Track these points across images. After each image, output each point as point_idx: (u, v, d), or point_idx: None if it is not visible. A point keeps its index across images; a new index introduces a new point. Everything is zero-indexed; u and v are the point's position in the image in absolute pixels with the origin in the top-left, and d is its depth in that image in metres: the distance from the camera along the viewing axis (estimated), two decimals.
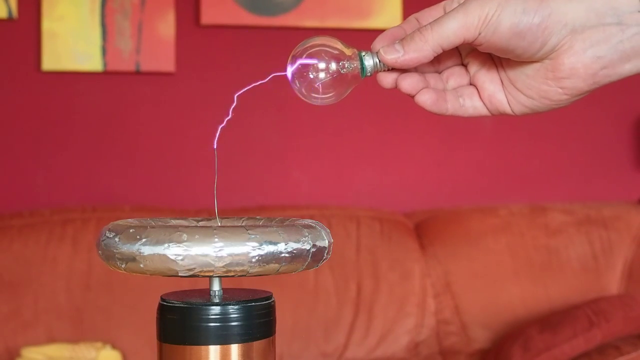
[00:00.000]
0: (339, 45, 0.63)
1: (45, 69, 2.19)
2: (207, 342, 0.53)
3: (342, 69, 0.62)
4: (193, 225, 0.59)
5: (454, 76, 0.66)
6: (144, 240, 0.52)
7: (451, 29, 0.59)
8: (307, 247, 0.54)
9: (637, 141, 2.51)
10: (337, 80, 0.62)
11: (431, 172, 2.43)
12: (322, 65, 0.62)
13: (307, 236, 0.54)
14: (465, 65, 0.66)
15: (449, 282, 2.16)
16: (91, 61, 2.21)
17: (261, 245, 0.52)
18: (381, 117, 2.38)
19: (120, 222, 0.56)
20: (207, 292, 0.56)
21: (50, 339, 1.95)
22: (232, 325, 0.53)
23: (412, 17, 0.65)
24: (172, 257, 0.51)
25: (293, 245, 0.53)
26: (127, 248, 0.52)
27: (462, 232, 2.22)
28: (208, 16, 2.25)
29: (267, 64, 2.35)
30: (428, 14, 0.64)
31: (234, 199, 2.25)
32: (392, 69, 0.63)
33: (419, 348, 2.11)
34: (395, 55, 0.61)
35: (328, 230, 0.57)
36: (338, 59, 0.62)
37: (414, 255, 2.17)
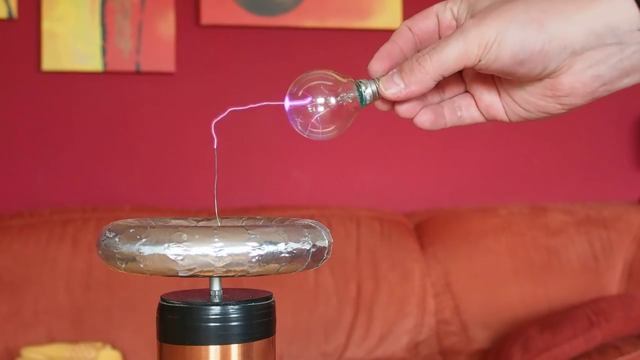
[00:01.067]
0: (334, 76, 0.61)
1: (45, 69, 2.19)
2: (207, 342, 0.53)
3: (341, 101, 0.61)
4: (193, 225, 0.59)
5: (450, 85, 0.65)
6: (144, 240, 0.52)
7: (451, 57, 0.58)
8: (307, 247, 0.54)
9: (637, 141, 2.51)
10: (338, 112, 0.61)
11: (431, 172, 2.43)
12: (320, 100, 0.61)
13: (307, 236, 0.54)
14: (461, 74, 0.66)
15: (449, 282, 2.16)
16: (91, 61, 2.21)
17: (261, 245, 0.52)
18: (381, 117, 2.37)
19: (120, 222, 0.56)
20: (207, 292, 0.56)
21: (50, 339, 1.95)
22: (232, 325, 0.53)
23: (404, 27, 0.64)
24: (172, 257, 0.51)
25: (293, 245, 0.53)
26: (127, 248, 0.52)
27: (462, 232, 2.22)
28: (208, 16, 2.25)
29: (267, 64, 2.35)
30: (421, 23, 0.64)
31: (234, 199, 2.25)
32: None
33: (419, 348, 2.11)
34: (395, 90, 0.61)
35: (328, 230, 0.57)
36: (335, 91, 0.61)
37: (414, 255, 2.17)
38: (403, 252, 2.17)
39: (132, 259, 0.52)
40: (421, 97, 0.63)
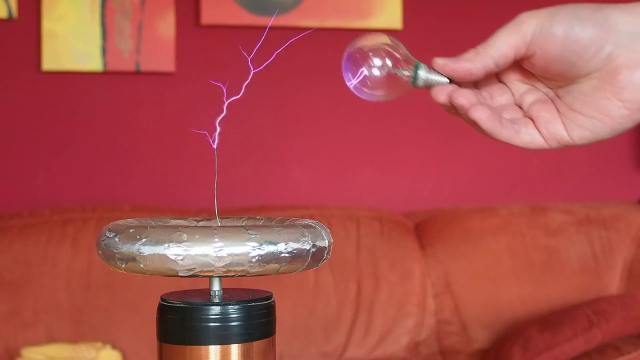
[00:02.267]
0: (402, 49, 0.63)
1: (45, 69, 2.19)
2: (207, 342, 0.53)
3: (396, 71, 0.62)
4: (193, 225, 0.59)
5: (508, 110, 0.64)
6: (144, 240, 0.52)
7: (502, 39, 0.58)
8: (307, 247, 0.54)
9: (637, 141, 2.51)
10: (389, 80, 0.63)
11: (431, 172, 2.43)
12: (378, 61, 0.62)
13: (307, 236, 0.54)
14: (518, 105, 0.64)
15: (449, 282, 2.16)
16: (91, 61, 2.21)
17: (261, 245, 0.52)
18: (381, 117, 2.38)
19: (120, 222, 0.56)
20: (207, 292, 0.56)
21: (50, 339, 1.95)
22: (232, 325, 0.53)
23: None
24: (172, 257, 0.51)
25: (293, 245, 0.53)
26: (127, 248, 0.52)
27: (462, 232, 2.22)
28: (208, 16, 2.25)
29: (267, 64, 2.34)
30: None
31: (234, 199, 2.25)
32: (446, 82, 0.62)
33: (419, 348, 2.11)
34: (445, 60, 0.61)
35: (328, 230, 0.57)
36: (397, 61, 0.62)
37: (414, 255, 2.17)
38: (403, 252, 2.17)
39: (132, 259, 0.52)
40: (478, 93, 0.62)
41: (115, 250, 0.53)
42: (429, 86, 0.63)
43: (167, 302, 0.54)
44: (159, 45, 2.24)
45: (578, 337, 1.77)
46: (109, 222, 0.56)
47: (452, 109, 0.63)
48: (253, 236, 0.52)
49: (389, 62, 0.62)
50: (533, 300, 2.15)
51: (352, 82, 0.63)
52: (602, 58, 0.57)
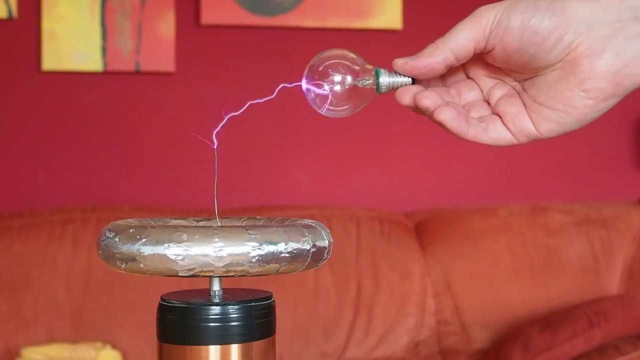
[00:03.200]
0: (356, 59, 0.62)
1: (45, 69, 2.19)
2: (207, 342, 0.53)
3: (357, 82, 0.62)
4: (193, 225, 0.59)
5: (476, 108, 0.63)
6: (144, 240, 0.52)
7: (461, 32, 0.58)
8: (307, 247, 0.54)
9: (637, 141, 2.51)
10: (351, 93, 0.62)
11: (431, 172, 2.43)
12: (337, 77, 0.61)
13: (307, 236, 0.54)
14: (487, 101, 0.64)
15: (449, 282, 2.16)
16: (91, 61, 2.21)
17: (261, 245, 0.52)
18: (381, 117, 2.38)
19: (120, 222, 0.56)
20: (207, 292, 0.56)
21: (50, 339, 1.95)
22: (232, 325, 0.53)
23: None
24: (172, 257, 0.51)
25: (293, 245, 0.53)
26: (127, 248, 0.52)
27: (462, 232, 2.22)
28: (208, 16, 2.25)
29: (267, 64, 2.35)
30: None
31: (234, 199, 2.25)
32: (409, 82, 0.62)
33: (419, 348, 2.11)
34: (406, 59, 0.60)
35: (328, 230, 0.57)
36: (354, 72, 0.62)
37: (414, 255, 2.17)
38: (403, 252, 2.17)
39: (132, 259, 0.52)
40: (443, 95, 0.62)
41: (115, 250, 0.53)
42: (394, 89, 0.62)
43: (167, 302, 0.54)
44: (159, 45, 2.24)
45: (578, 337, 1.77)
46: (109, 222, 0.56)
47: (418, 110, 0.62)
48: (253, 236, 0.52)
49: (348, 76, 0.61)
50: (533, 300, 2.15)
51: (323, 109, 0.62)
52: (562, 48, 0.57)
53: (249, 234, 0.52)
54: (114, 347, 1.95)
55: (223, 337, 0.53)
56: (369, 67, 0.62)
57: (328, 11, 2.32)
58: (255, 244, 0.52)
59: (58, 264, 2.00)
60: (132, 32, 2.22)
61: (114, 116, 2.27)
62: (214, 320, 0.53)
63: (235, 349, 0.53)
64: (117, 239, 0.53)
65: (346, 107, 0.62)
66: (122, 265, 0.53)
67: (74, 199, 2.21)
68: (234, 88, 2.28)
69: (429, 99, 0.60)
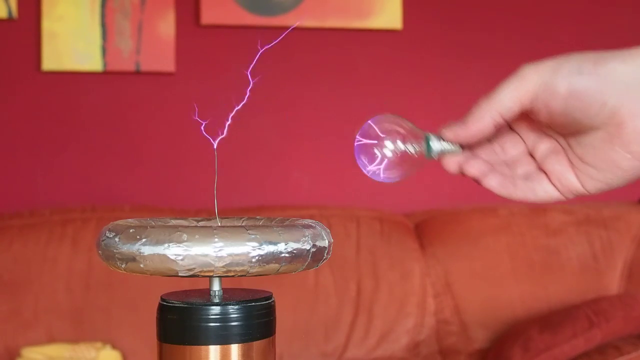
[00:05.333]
0: (408, 125, 0.63)
1: (45, 69, 2.19)
2: (207, 342, 0.53)
3: (408, 148, 0.62)
4: (193, 225, 0.59)
5: (521, 163, 0.64)
6: (144, 240, 0.52)
7: (507, 94, 0.58)
8: (307, 247, 0.54)
9: None
10: (403, 160, 0.63)
11: (431, 172, 2.42)
12: (389, 143, 0.62)
13: (307, 236, 0.54)
14: (531, 154, 0.64)
15: (449, 282, 2.16)
16: (91, 61, 2.21)
17: (261, 245, 0.52)
18: None
19: (120, 222, 0.56)
20: (207, 292, 0.56)
21: (50, 339, 1.95)
22: (232, 325, 0.53)
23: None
24: (172, 257, 0.51)
25: (293, 245, 0.53)
26: (127, 248, 0.52)
27: (462, 232, 2.22)
28: (208, 16, 2.25)
29: (267, 65, 2.35)
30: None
31: (234, 199, 2.25)
32: (458, 150, 0.62)
33: (419, 348, 2.11)
34: (455, 128, 0.61)
35: (328, 230, 0.57)
36: (405, 138, 0.62)
37: (414, 255, 2.17)
38: (403, 252, 2.17)
39: (132, 259, 0.52)
40: (490, 159, 0.62)
41: (115, 250, 0.53)
42: (442, 155, 0.63)
43: (167, 302, 0.54)
44: (159, 45, 2.24)
45: (578, 337, 1.77)
46: (109, 222, 0.56)
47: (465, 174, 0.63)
48: (253, 236, 0.52)
49: (400, 143, 0.62)
50: (533, 300, 2.15)
51: (368, 169, 0.63)
52: (606, 112, 0.56)
53: (249, 234, 0.52)
54: (114, 347, 1.95)
55: (223, 337, 0.53)
56: (419, 132, 0.63)
57: (328, 11, 2.32)
58: (255, 244, 0.52)
59: (58, 264, 2.00)
60: (132, 32, 2.22)
61: (114, 116, 2.27)
62: (214, 320, 0.53)
63: (235, 349, 0.53)
64: (117, 239, 0.53)
65: (397, 172, 0.63)
66: (122, 265, 0.53)
67: (74, 199, 2.21)
68: (234, 88, 2.28)
69: (475, 168, 0.62)
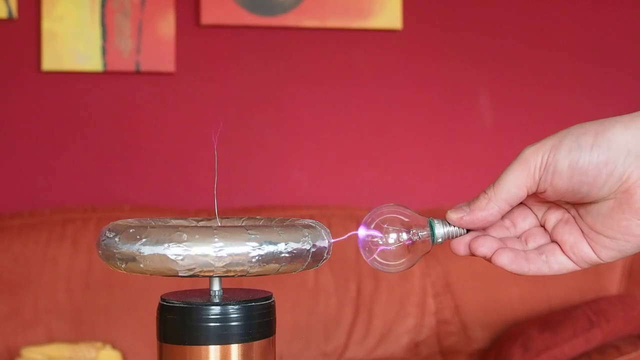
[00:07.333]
0: (410, 213, 0.62)
1: (45, 69, 2.19)
2: (207, 342, 0.53)
3: (413, 236, 0.62)
4: (193, 225, 0.59)
5: (533, 236, 0.63)
6: (144, 240, 0.52)
7: (511, 181, 0.58)
8: (307, 247, 0.54)
9: None
10: (408, 248, 0.62)
11: (431, 172, 2.43)
12: (393, 233, 0.62)
13: (307, 236, 0.54)
14: (542, 225, 0.64)
15: (449, 282, 2.16)
16: (91, 61, 2.21)
17: (261, 245, 0.52)
18: (381, 116, 2.38)
19: (120, 222, 0.56)
20: (207, 292, 0.56)
21: (50, 339, 1.95)
22: (232, 325, 0.53)
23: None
24: (172, 257, 0.51)
25: (293, 245, 0.53)
26: (127, 248, 0.52)
27: None
28: (208, 16, 2.25)
29: (267, 64, 2.35)
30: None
31: (234, 199, 2.25)
32: (464, 232, 0.62)
33: (419, 348, 2.11)
34: (460, 213, 0.60)
35: (328, 230, 0.57)
36: (409, 226, 0.62)
37: None
38: None
39: (132, 259, 0.52)
40: (498, 239, 0.62)
41: (115, 250, 0.53)
42: (450, 238, 0.62)
43: (167, 302, 0.54)
44: (159, 45, 2.24)
45: (578, 337, 1.77)
46: (109, 222, 0.56)
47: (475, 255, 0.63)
48: (253, 236, 0.52)
49: (403, 233, 0.62)
50: (533, 300, 2.15)
51: (369, 258, 0.62)
52: (614, 182, 0.56)
53: (249, 234, 0.52)
54: (114, 347, 1.95)
55: (223, 337, 0.53)
56: (422, 219, 0.62)
57: (328, 11, 2.32)
58: (255, 244, 0.52)
59: (58, 264, 2.00)
60: (132, 32, 2.22)
61: (114, 116, 2.27)
62: (214, 320, 0.53)
63: (235, 349, 0.53)
64: (117, 239, 0.53)
65: (403, 261, 0.62)
66: (122, 265, 0.53)
67: (74, 199, 2.21)
68: (234, 88, 2.28)
69: (484, 246, 0.61)
